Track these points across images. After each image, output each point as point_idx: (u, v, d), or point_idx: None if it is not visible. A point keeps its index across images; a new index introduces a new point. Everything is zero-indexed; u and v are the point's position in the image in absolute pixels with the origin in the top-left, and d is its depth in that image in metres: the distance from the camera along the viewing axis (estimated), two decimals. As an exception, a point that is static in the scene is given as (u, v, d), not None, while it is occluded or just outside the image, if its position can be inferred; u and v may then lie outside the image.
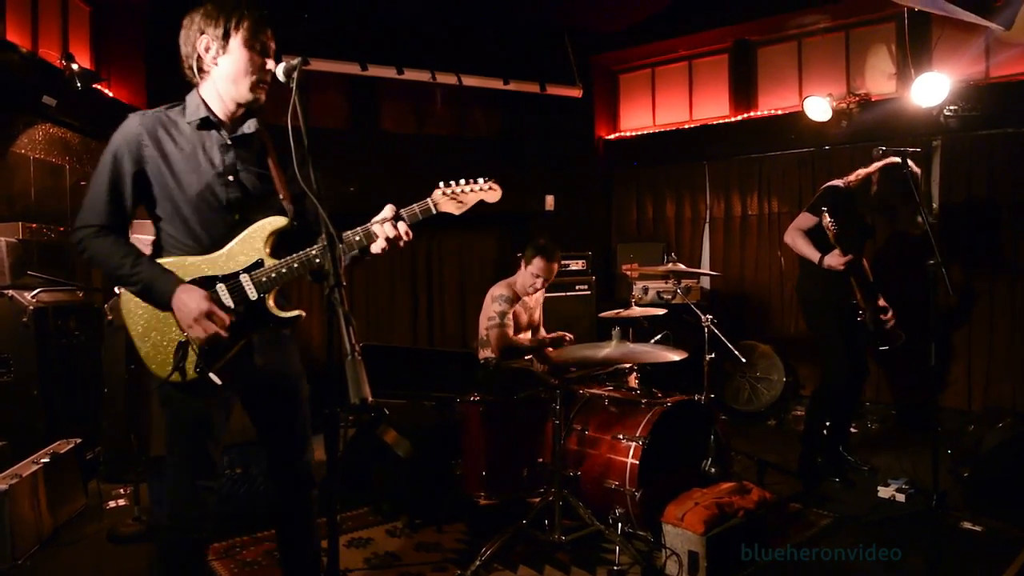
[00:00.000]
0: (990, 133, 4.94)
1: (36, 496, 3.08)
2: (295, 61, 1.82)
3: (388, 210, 1.95)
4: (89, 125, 4.58)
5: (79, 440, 3.53)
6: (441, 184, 2.00)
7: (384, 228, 1.91)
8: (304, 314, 1.97)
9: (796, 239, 3.85)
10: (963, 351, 5.08)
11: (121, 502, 3.62)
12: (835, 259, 3.65)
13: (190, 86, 1.99)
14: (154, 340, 1.90)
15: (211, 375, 1.85)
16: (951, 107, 4.80)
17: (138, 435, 3.51)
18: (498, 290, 3.92)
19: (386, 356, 5.02)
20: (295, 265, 1.89)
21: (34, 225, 3.96)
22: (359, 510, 3.53)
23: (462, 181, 2.01)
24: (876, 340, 3.86)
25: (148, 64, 5.02)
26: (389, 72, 5.66)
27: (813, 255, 3.76)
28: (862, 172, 3.80)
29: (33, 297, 3.68)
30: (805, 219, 3.84)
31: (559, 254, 3.94)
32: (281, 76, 1.85)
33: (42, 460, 3.19)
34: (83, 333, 4.06)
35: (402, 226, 1.92)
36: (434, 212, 1.99)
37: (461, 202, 2.01)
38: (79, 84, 4.06)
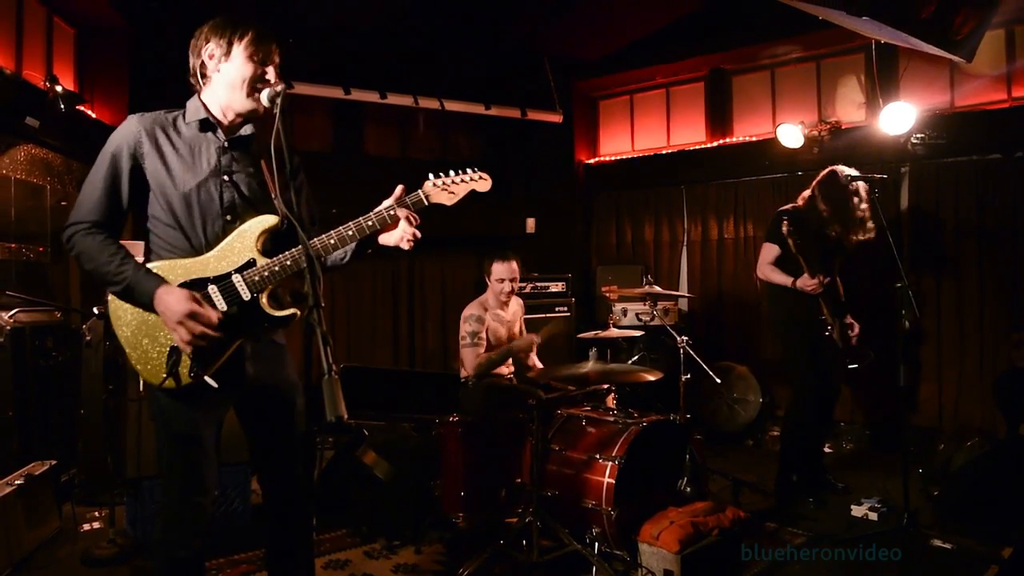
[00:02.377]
0: (956, 160, 5.11)
1: (9, 518, 3.04)
2: (279, 87, 1.89)
3: (399, 190, 2.00)
4: (71, 146, 4.59)
5: (54, 462, 3.50)
6: (431, 175, 2.02)
7: (401, 212, 1.95)
8: (299, 313, 1.93)
9: (767, 272, 3.98)
10: (933, 372, 5.19)
11: (96, 525, 3.58)
12: (805, 281, 3.75)
13: (172, 108, 2.02)
14: (145, 346, 1.87)
15: (207, 378, 1.82)
16: (918, 135, 4.98)
17: (115, 456, 3.49)
18: (468, 310, 3.97)
19: (367, 378, 5.03)
20: (287, 263, 1.88)
21: (13, 245, 3.95)
22: (337, 532, 3.52)
23: (451, 172, 2.03)
24: (845, 358, 3.95)
25: (132, 86, 5.04)
26: (372, 96, 5.74)
27: (786, 280, 3.86)
28: (806, 192, 3.95)
29: (10, 317, 3.66)
30: (769, 251, 3.97)
31: (511, 253, 4.00)
32: (265, 102, 1.92)
33: (16, 482, 3.16)
34: (61, 354, 4.04)
35: (404, 211, 1.97)
36: (426, 204, 2.01)
37: (452, 192, 2.02)
38: (63, 106, 4.08)
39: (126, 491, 3.38)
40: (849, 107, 5.68)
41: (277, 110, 1.79)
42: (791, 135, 5.36)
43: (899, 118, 4.83)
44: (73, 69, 4.94)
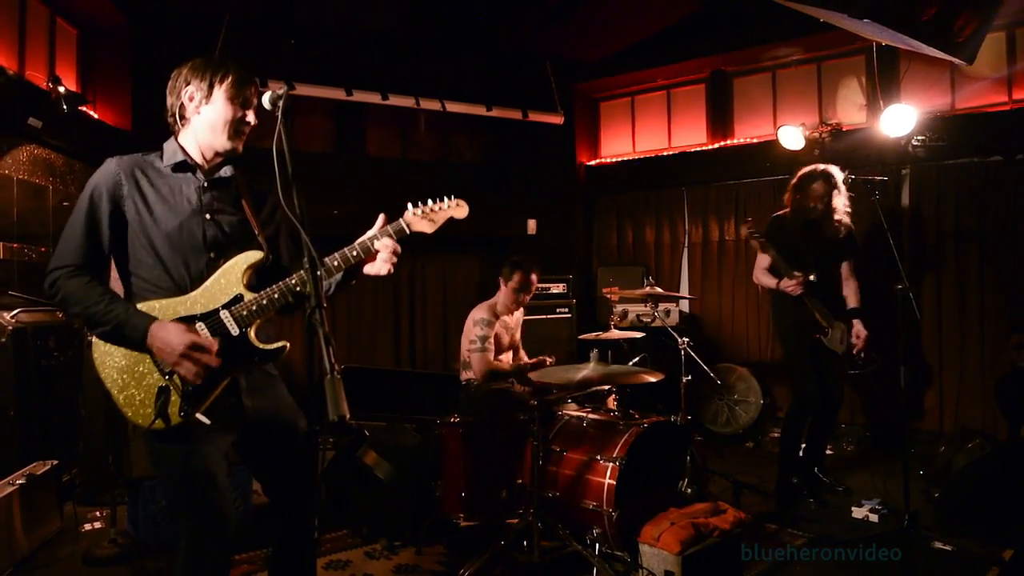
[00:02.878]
0: (956, 162, 5.11)
1: (11, 518, 3.05)
2: (281, 90, 1.87)
3: (381, 219, 2.03)
4: (73, 147, 4.61)
5: (55, 461, 3.50)
6: (410, 205, 2.06)
7: (383, 241, 1.98)
8: (288, 346, 1.95)
9: (758, 276, 4.07)
10: (935, 374, 5.19)
11: (97, 524, 3.59)
12: (786, 284, 3.85)
13: (150, 150, 2.03)
14: (131, 389, 1.84)
15: (198, 416, 1.79)
16: (919, 137, 4.99)
17: (116, 457, 3.49)
18: (479, 313, 3.96)
19: (368, 378, 5.04)
20: (275, 295, 1.89)
21: (16, 245, 3.96)
22: (338, 532, 3.53)
23: (430, 201, 2.07)
24: (845, 363, 3.96)
25: (134, 87, 5.06)
26: (374, 97, 5.75)
27: (771, 282, 3.96)
28: (786, 196, 4.04)
29: (12, 317, 3.67)
30: (762, 257, 4.05)
31: (535, 266, 4.03)
32: (267, 104, 1.89)
33: (18, 482, 3.16)
34: (62, 354, 4.05)
35: (391, 242, 1.99)
36: (407, 232, 2.04)
37: (432, 220, 2.06)
38: (65, 106, 4.09)
39: (127, 491, 3.38)
40: (850, 109, 5.68)
41: (279, 112, 1.78)
42: (792, 137, 5.37)
43: (900, 120, 4.83)
44: (75, 70, 4.95)
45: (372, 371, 5.34)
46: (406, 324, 6.35)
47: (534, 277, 3.99)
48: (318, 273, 1.60)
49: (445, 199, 2.09)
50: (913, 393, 5.19)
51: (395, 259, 2.02)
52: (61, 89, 4.08)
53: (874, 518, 3.67)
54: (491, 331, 3.89)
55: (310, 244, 1.62)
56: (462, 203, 2.11)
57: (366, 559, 3.24)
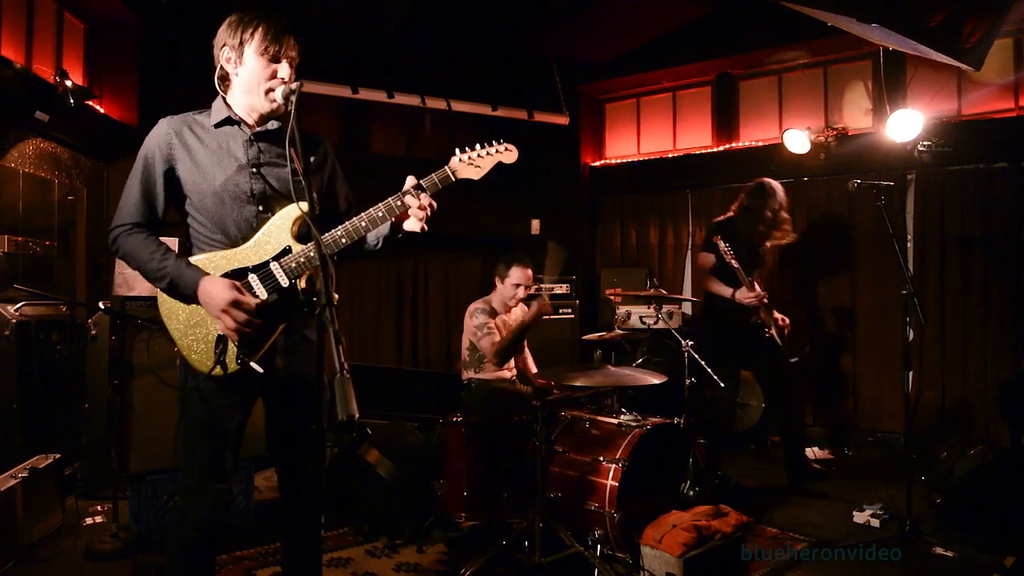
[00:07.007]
0: (962, 168, 5.11)
1: (13, 511, 3.05)
2: (294, 85, 1.89)
3: (410, 180, 2.00)
4: (79, 141, 4.60)
5: (58, 455, 3.51)
6: (458, 151, 2.03)
7: (414, 199, 1.96)
8: (338, 297, 1.89)
9: (707, 282, 4.15)
10: (937, 379, 5.19)
11: (98, 519, 3.59)
12: (744, 294, 3.96)
13: (181, 104, 2.07)
14: (196, 335, 1.94)
15: (253, 364, 1.88)
16: (925, 143, 4.97)
17: (118, 451, 3.49)
18: (475, 306, 3.96)
19: (370, 376, 5.05)
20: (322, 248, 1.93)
21: (20, 238, 3.97)
22: (339, 530, 3.53)
23: (478, 146, 2.04)
24: (786, 353, 4.21)
25: (141, 81, 5.05)
26: (380, 96, 5.75)
27: (725, 291, 4.05)
28: (737, 204, 4.25)
29: (16, 310, 3.67)
30: (704, 259, 4.17)
31: (527, 259, 4.01)
32: (279, 99, 1.92)
33: (20, 475, 3.17)
34: (66, 348, 4.05)
35: (425, 198, 1.97)
36: (453, 180, 2.03)
37: (479, 167, 2.03)
38: (72, 101, 4.08)
39: (129, 486, 3.39)
40: (856, 113, 5.68)
41: (292, 107, 1.80)
42: (798, 141, 5.36)
43: (906, 125, 4.83)
44: (82, 64, 4.94)
45: (374, 369, 5.35)
46: (408, 323, 6.35)
47: (530, 272, 3.96)
48: (328, 265, 1.60)
49: (494, 143, 2.05)
50: (916, 398, 5.19)
51: (428, 213, 2.00)
52: (68, 83, 4.07)
53: (875, 523, 3.66)
54: (490, 319, 3.89)
55: (320, 240, 1.63)
56: (511, 147, 2.07)
57: (367, 557, 3.24)
